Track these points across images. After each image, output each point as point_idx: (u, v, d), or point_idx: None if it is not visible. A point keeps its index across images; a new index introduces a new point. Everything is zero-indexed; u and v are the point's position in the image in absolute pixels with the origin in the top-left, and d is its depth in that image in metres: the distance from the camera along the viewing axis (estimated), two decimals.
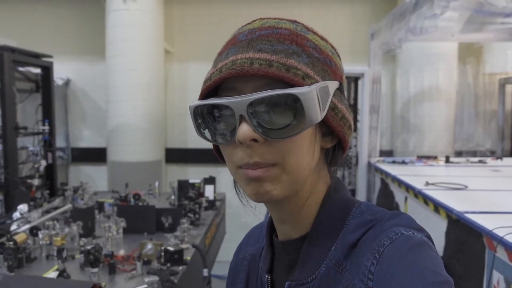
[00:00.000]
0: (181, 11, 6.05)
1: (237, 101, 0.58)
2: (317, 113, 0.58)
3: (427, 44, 5.10)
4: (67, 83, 6.07)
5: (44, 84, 4.37)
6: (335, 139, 0.67)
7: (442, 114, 5.27)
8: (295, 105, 0.58)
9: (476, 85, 6.01)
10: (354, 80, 4.78)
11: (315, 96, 0.58)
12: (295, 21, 0.66)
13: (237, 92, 0.60)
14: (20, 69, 4.14)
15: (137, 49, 5.27)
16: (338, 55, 0.69)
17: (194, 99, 0.66)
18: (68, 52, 6.03)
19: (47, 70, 4.37)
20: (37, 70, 4.37)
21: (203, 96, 0.64)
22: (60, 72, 5.77)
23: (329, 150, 0.68)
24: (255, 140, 0.59)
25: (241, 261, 0.83)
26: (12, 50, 3.80)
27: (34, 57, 4.22)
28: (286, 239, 0.71)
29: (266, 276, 0.72)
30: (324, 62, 0.64)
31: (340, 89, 0.66)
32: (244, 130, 0.58)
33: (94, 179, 6.06)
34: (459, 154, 5.59)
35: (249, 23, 0.67)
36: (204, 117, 0.63)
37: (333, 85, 0.63)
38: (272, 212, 0.72)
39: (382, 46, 4.30)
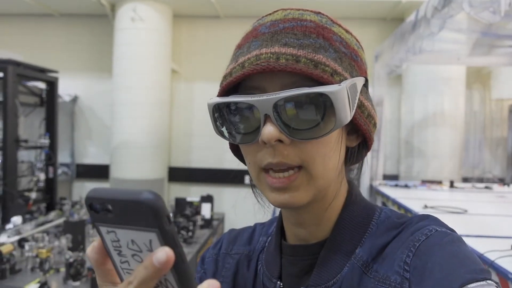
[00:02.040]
0: (190, 32, 6.11)
1: (262, 99, 0.54)
2: (347, 113, 0.55)
3: (433, 68, 5.05)
4: (74, 100, 6.14)
5: (49, 98, 4.42)
6: (360, 137, 0.64)
7: (448, 140, 5.17)
8: (324, 105, 0.54)
9: (483, 111, 5.93)
10: None
11: (345, 95, 0.54)
12: (319, 13, 0.62)
13: (260, 91, 0.57)
14: (28, 83, 4.20)
15: (143, 67, 5.32)
16: (363, 49, 0.65)
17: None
18: (76, 69, 6.12)
19: (52, 85, 4.43)
20: (43, 85, 4.43)
21: (222, 93, 0.60)
22: (68, 89, 5.85)
23: (354, 149, 0.65)
24: (280, 140, 0.55)
25: (224, 257, 0.76)
26: (17, 64, 3.86)
27: (39, 72, 4.28)
28: (301, 244, 0.66)
29: (278, 282, 0.66)
30: (351, 57, 0.60)
31: (365, 85, 0.63)
32: (270, 130, 0.54)
33: None
34: (465, 180, 5.47)
35: (270, 14, 0.62)
36: (224, 115, 0.59)
37: (360, 81, 0.60)
38: (290, 216, 0.67)
39: (385, 68, 4.28)
